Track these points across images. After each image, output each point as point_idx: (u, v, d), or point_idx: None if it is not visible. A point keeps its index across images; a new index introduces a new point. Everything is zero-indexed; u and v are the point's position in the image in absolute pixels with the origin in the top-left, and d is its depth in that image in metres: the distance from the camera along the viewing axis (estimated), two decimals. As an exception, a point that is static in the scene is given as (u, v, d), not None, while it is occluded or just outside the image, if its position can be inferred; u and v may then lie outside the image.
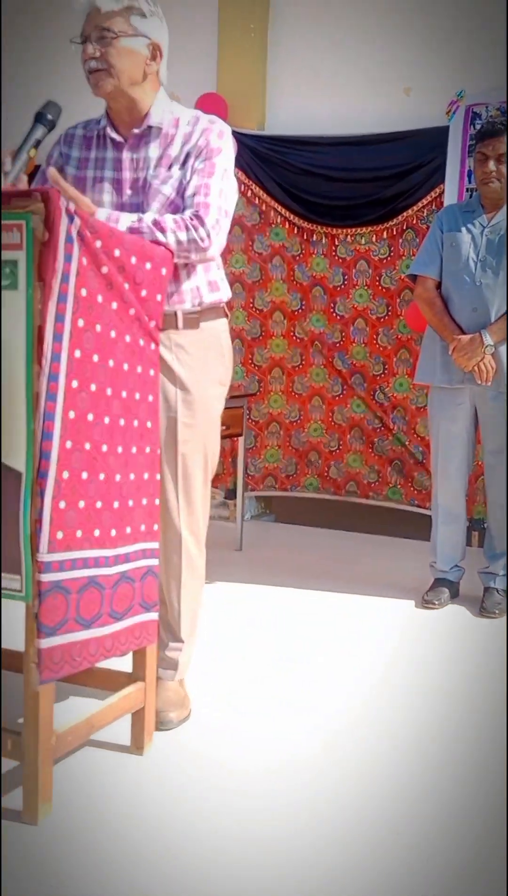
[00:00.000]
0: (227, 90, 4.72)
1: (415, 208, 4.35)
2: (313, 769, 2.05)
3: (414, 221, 4.37)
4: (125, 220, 1.96)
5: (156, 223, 1.96)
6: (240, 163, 2.11)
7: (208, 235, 2.01)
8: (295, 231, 4.63)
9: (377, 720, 2.33)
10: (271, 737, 2.21)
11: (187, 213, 2.02)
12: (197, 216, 2.01)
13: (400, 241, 4.43)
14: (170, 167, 2.07)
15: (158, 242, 1.96)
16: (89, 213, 1.81)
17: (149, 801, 1.87)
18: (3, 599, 1.75)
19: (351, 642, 2.95)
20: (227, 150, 2.10)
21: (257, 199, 4.63)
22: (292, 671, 2.66)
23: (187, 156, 2.07)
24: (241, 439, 4.19)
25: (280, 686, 2.54)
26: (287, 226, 4.64)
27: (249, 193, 4.59)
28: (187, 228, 1.99)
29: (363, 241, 4.53)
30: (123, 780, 1.96)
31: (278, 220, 4.65)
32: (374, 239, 4.49)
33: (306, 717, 2.33)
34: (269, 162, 4.57)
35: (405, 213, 4.38)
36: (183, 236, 1.98)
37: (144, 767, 2.02)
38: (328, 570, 3.86)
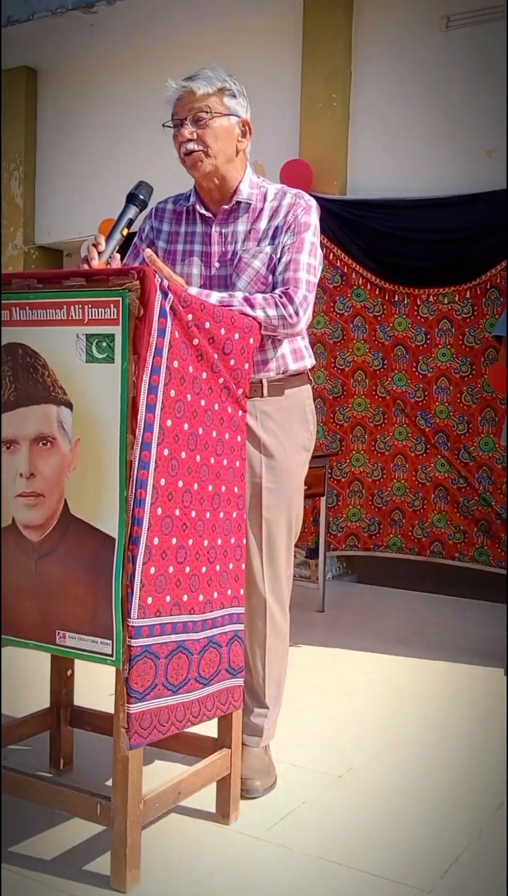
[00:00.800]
0: (310, 157, 4.84)
1: (498, 268, 4.35)
2: (397, 834, 1.99)
3: (498, 280, 4.36)
4: (216, 296, 2.02)
5: (246, 300, 2.03)
6: (322, 227, 2.16)
7: (297, 312, 2.06)
8: (377, 292, 4.67)
9: (460, 791, 2.26)
10: (357, 806, 2.16)
11: (278, 290, 2.07)
12: (286, 293, 2.06)
13: (484, 300, 4.42)
14: (259, 242, 2.14)
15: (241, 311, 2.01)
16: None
17: (235, 873, 1.85)
18: (78, 660, 1.78)
19: (435, 711, 2.87)
20: (315, 225, 2.16)
21: (338, 261, 4.70)
22: (376, 739, 2.61)
23: (276, 230, 2.14)
24: (323, 498, 4.19)
25: (364, 753, 2.49)
26: (369, 287, 4.69)
27: (331, 256, 4.67)
28: (277, 305, 2.04)
29: (445, 301, 4.53)
30: (209, 849, 1.95)
31: (360, 282, 4.70)
32: (457, 298, 4.49)
33: (389, 784, 2.28)
34: (350, 225, 4.65)
35: (488, 273, 4.38)
36: (272, 312, 2.04)
37: (230, 837, 2.00)
38: (413, 633, 3.79)
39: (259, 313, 2.02)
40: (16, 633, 1.88)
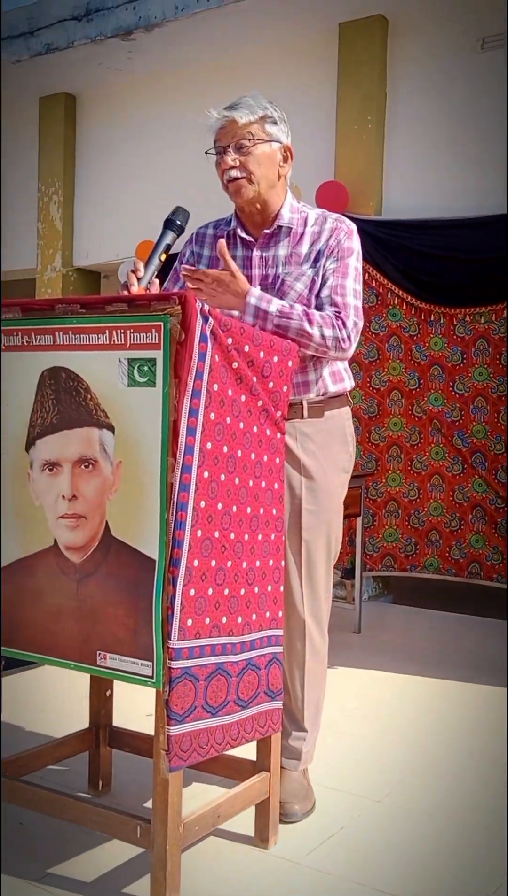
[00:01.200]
0: (345, 178, 4.87)
1: (536, 287, 4.32)
2: (437, 860, 1.97)
3: (535, 300, 4.34)
4: (277, 303, 2.04)
5: (306, 313, 2.05)
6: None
7: (349, 337, 2.09)
8: (412, 311, 4.67)
9: (500, 816, 2.23)
10: (396, 831, 2.14)
11: (329, 310, 2.09)
12: (339, 317, 2.09)
13: (520, 319, 4.40)
14: (301, 265, 2.16)
15: (303, 332, 2.04)
16: (244, 291, 1.95)
17: (274, 898, 1.84)
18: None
19: (474, 734, 2.84)
20: (358, 251, 2.18)
21: (374, 281, 4.71)
22: (414, 763, 2.58)
23: (318, 254, 2.15)
24: (359, 519, 4.17)
25: (403, 777, 2.47)
26: (404, 307, 4.68)
27: (366, 276, 4.67)
28: (333, 327, 2.07)
29: (482, 320, 4.51)
30: (248, 873, 1.94)
31: (396, 302, 4.70)
32: (493, 318, 4.47)
33: (429, 809, 2.25)
34: (386, 245, 4.66)
35: (525, 292, 4.36)
36: (328, 332, 2.06)
37: (269, 862, 1.99)
38: (450, 655, 3.75)
39: (316, 330, 2.04)
40: (57, 653, 1.90)
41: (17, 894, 1.83)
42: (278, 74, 5.21)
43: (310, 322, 2.04)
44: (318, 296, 2.13)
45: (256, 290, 2.04)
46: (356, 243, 2.19)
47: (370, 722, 2.94)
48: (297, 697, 2.24)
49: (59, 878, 1.89)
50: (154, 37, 5.26)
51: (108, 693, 2.29)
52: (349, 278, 2.14)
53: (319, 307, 2.12)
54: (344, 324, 2.08)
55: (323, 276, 2.14)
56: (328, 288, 2.12)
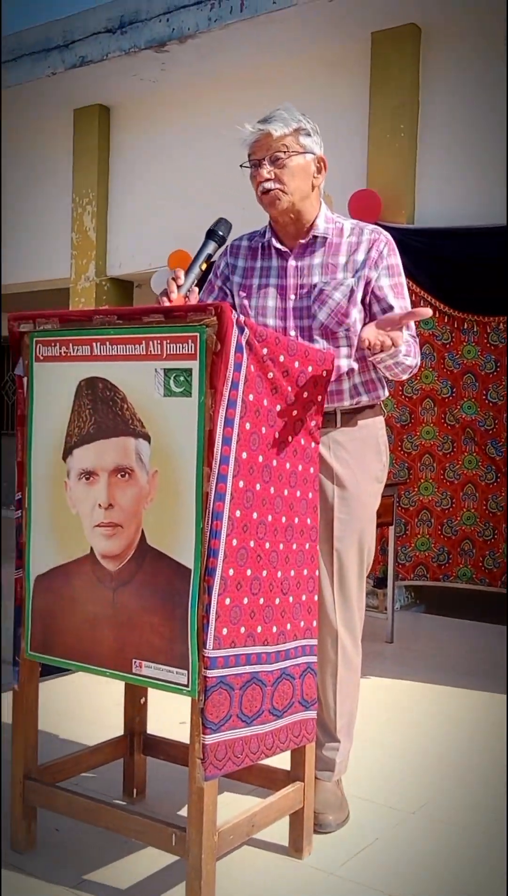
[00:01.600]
0: (377, 186, 4.87)
1: None
2: (471, 873, 1.95)
3: None
4: (404, 349, 2.12)
5: (409, 347, 2.16)
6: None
7: (418, 360, 2.21)
8: (445, 320, 4.65)
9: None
10: (430, 843, 2.13)
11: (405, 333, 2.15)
12: (416, 341, 2.18)
13: (555, 327, 4.37)
14: (337, 274, 2.17)
15: (413, 367, 2.19)
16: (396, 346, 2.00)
17: (308, 908, 1.84)
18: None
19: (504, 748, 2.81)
20: (401, 265, 2.24)
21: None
22: (448, 774, 2.56)
23: (357, 264, 2.17)
24: (391, 528, 4.16)
25: (437, 789, 2.45)
26: (437, 315, 4.67)
27: (399, 285, 4.66)
28: (415, 354, 2.17)
29: (515, 329, 4.49)
30: (283, 883, 1.93)
31: (428, 310, 4.68)
32: (527, 326, 4.45)
33: (462, 822, 2.23)
34: (419, 254, 4.65)
35: None
36: (412, 362, 2.17)
37: (303, 872, 1.98)
38: (483, 666, 3.72)
39: (413, 361, 2.16)
40: (92, 661, 1.92)
41: (52, 900, 1.84)
42: (310, 84, 5.24)
43: (414, 355, 2.17)
44: (370, 309, 2.18)
45: (403, 346, 2.11)
46: (399, 257, 2.24)
47: (403, 733, 2.93)
48: (330, 707, 2.23)
49: (95, 884, 1.90)
50: (187, 48, 5.31)
51: (142, 701, 2.30)
52: (404, 299, 2.21)
53: (370, 316, 2.18)
54: (419, 349, 2.18)
55: (374, 292, 2.18)
56: (400, 309, 2.16)
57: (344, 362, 2.18)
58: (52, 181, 6.69)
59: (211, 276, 2.34)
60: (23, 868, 1.95)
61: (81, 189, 6.42)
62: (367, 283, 2.17)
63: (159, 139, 6.11)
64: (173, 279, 2.05)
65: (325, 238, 2.20)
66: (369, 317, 2.19)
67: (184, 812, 2.17)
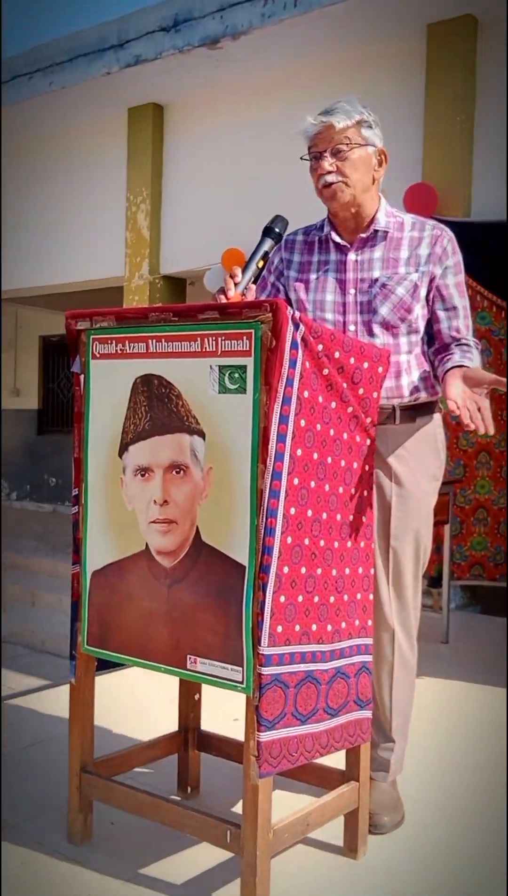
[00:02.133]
0: (433, 179, 4.80)
1: None
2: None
3: None
4: (465, 358, 2.10)
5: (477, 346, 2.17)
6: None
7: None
8: (503, 314, 4.57)
9: None
10: (488, 847, 2.09)
11: (469, 337, 2.17)
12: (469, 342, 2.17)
13: None
14: (399, 269, 2.14)
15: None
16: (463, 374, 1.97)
17: (363, 909, 1.82)
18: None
19: None
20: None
21: (462, 284, 4.63)
22: (504, 778, 2.52)
23: (420, 259, 2.15)
24: (447, 526, 4.10)
25: (492, 792, 2.41)
26: (494, 310, 4.59)
27: (454, 279, 4.60)
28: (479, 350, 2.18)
29: None
30: (338, 883, 1.92)
31: (485, 305, 4.61)
32: None
33: (526, 832, 2.19)
34: (475, 248, 4.56)
35: None
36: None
37: (359, 873, 1.97)
38: (543, 668, 3.65)
39: (477, 358, 2.15)
40: (147, 656, 1.93)
41: (109, 894, 1.86)
42: (364, 78, 5.19)
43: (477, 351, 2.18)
44: (432, 306, 2.18)
45: (476, 362, 2.11)
46: (460, 254, 2.22)
47: (458, 734, 2.89)
48: (385, 706, 2.21)
49: (151, 878, 1.91)
50: (241, 45, 5.30)
51: (196, 697, 2.31)
52: (466, 298, 2.21)
53: (437, 321, 2.18)
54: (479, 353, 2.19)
55: (439, 290, 2.17)
56: (450, 306, 2.17)
57: (404, 358, 2.15)
58: (106, 181, 6.76)
59: (264, 272, 2.33)
60: (79, 860, 1.97)
61: (135, 188, 6.47)
62: (431, 280, 2.16)
63: (213, 137, 6.13)
64: (231, 276, 2.04)
65: (386, 232, 2.17)
66: (431, 314, 2.18)
67: (238, 809, 2.17)
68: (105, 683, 3.13)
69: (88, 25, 6.01)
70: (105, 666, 2.14)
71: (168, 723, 2.45)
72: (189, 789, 2.32)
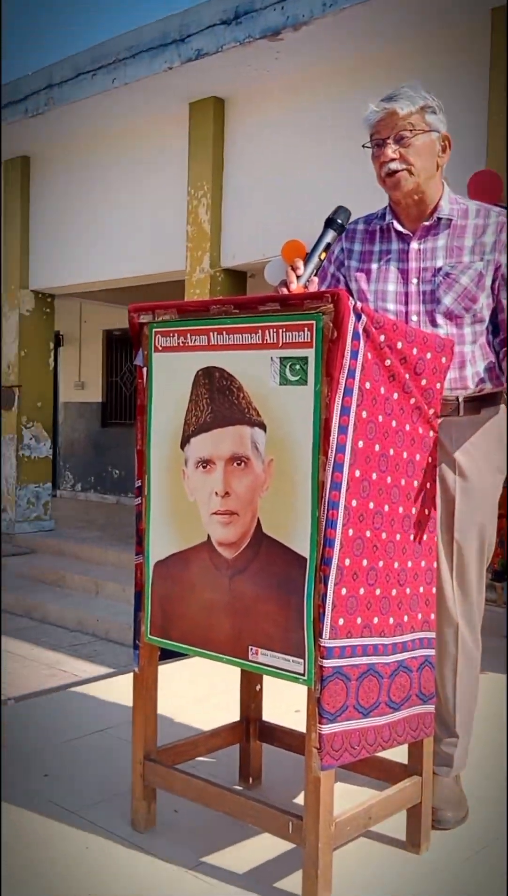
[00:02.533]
0: (497, 166, 4.71)
1: None
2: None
3: None
4: None
5: None
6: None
7: None
8: None
9: None
10: None
11: None
12: None
13: None
14: (464, 257, 2.11)
15: None
16: None
17: (426, 905, 1.81)
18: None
19: None
20: None
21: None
22: None
23: (487, 248, 2.10)
24: (511, 519, 4.03)
25: None
26: None
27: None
28: None
29: None
30: (401, 877, 1.91)
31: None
32: None
33: None
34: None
35: None
36: None
37: (421, 868, 1.95)
38: None
39: None
40: (209, 647, 1.94)
41: (172, 881, 1.88)
42: (426, 64, 5.11)
43: None
44: (498, 295, 2.12)
45: None
46: None
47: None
48: (448, 702, 2.18)
49: (212, 867, 1.93)
50: (301, 36, 5.27)
51: (258, 688, 2.32)
52: None
53: (502, 310, 2.12)
54: None
55: (505, 278, 2.11)
56: None
57: (468, 348, 2.11)
58: (167, 175, 6.80)
59: (324, 262, 2.32)
60: (142, 847, 2.00)
61: (197, 181, 6.49)
62: (497, 269, 2.11)
63: (273, 129, 6.11)
64: (293, 269, 2.03)
65: (450, 220, 2.13)
66: (496, 303, 2.12)
67: (300, 800, 2.18)
68: (167, 673, 3.17)
69: (150, 21, 6.05)
70: (168, 655, 2.16)
71: (229, 713, 2.47)
72: (251, 779, 2.33)
